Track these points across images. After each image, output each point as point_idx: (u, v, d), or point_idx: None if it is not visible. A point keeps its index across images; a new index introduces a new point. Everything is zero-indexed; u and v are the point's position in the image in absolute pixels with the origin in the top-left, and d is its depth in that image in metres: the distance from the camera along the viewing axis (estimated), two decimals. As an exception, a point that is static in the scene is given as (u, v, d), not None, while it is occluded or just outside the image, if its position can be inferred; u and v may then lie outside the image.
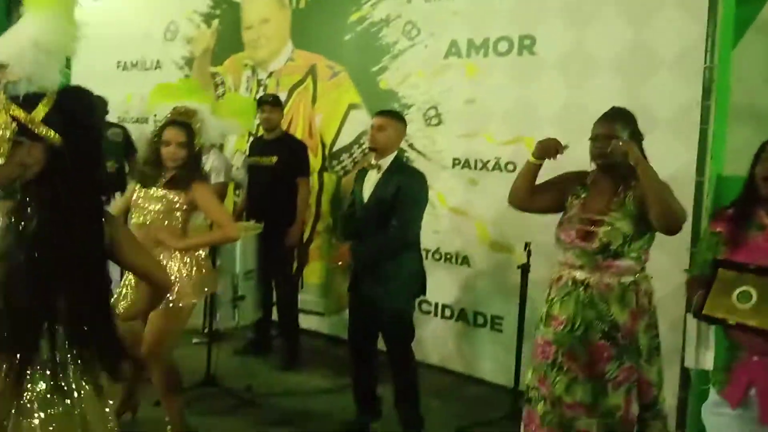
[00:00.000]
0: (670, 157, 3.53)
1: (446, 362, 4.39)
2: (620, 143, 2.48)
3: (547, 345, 2.58)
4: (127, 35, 6.35)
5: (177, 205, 3.10)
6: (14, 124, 1.58)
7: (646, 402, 2.54)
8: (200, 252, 3.23)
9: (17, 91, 1.60)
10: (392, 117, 3.45)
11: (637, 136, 2.60)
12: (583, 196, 2.66)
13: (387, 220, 3.26)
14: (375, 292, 3.29)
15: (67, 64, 6.21)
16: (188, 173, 3.11)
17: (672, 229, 2.48)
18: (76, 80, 6.72)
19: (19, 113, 1.59)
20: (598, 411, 2.48)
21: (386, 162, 3.36)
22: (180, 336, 3.22)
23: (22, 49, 1.60)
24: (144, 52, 6.27)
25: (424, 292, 3.45)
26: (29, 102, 1.60)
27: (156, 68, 6.18)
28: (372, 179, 3.40)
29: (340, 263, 3.64)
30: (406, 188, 3.27)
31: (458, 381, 4.28)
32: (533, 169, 2.71)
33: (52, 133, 1.61)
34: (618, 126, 2.57)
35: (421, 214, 3.35)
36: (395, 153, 3.40)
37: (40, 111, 1.60)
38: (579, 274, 2.56)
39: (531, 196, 2.75)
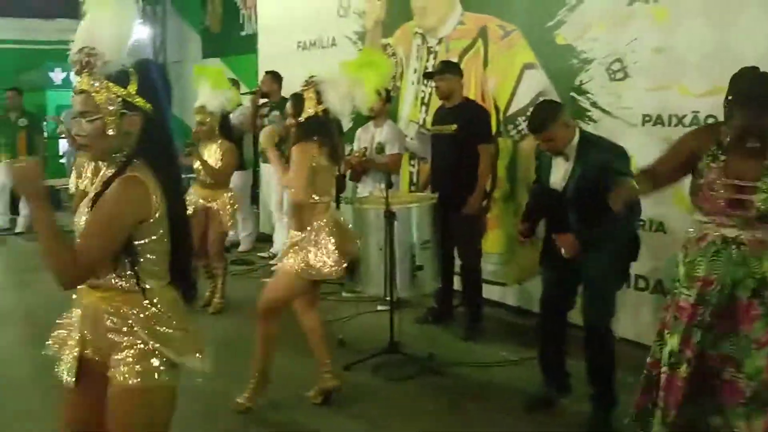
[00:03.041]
0: None
1: (642, 337, 4.08)
2: None
3: (693, 307, 2.46)
4: (304, 16, 6.63)
5: None
6: (119, 100, 1.80)
7: None
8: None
9: (106, 71, 1.80)
10: (549, 120, 3.11)
11: None
12: (722, 159, 2.40)
13: (597, 205, 3.00)
14: (581, 260, 3.10)
15: (254, 47, 6.56)
16: (297, 140, 3.32)
17: None
18: (263, 62, 7.19)
19: (119, 90, 1.80)
20: (743, 369, 2.42)
21: (572, 149, 3.14)
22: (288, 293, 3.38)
23: (104, 38, 1.81)
24: (320, 30, 6.49)
25: (635, 258, 3.20)
26: (121, 79, 1.81)
27: (332, 45, 6.38)
28: (561, 167, 3.18)
29: (564, 251, 3.16)
30: (610, 166, 2.98)
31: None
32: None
33: (144, 102, 1.83)
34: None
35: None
36: (576, 136, 3.15)
37: (133, 86, 1.82)
38: (729, 232, 2.42)
39: (659, 181, 2.63)
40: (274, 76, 6.40)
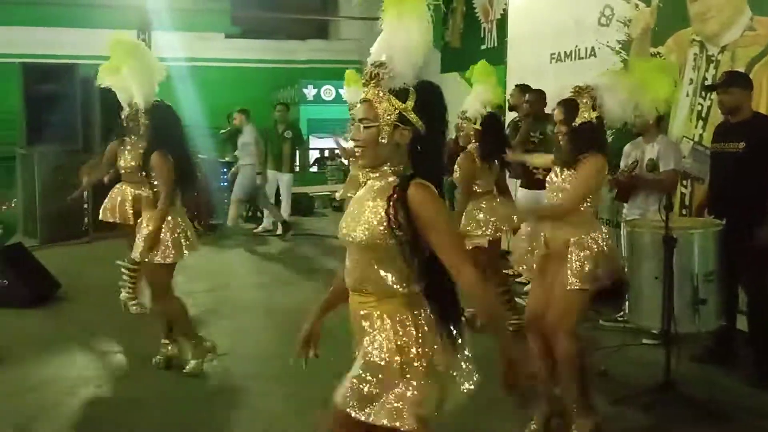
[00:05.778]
0: None
1: None
2: None
3: None
4: (559, 26, 6.43)
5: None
6: (396, 112, 1.92)
7: None
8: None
9: (390, 84, 1.93)
10: None
11: None
12: None
13: None
14: None
15: (494, 60, 6.38)
16: (573, 148, 3.18)
17: None
18: (510, 75, 7.07)
19: (398, 103, 1.92)
20: None
21: None
22: None
23: (396, 52, 1.93)
24: (578, 41, 6.24)
25: None
26: (401, 94, 1.93)
27: (590, 56, 6.10)
28: None
29: None
30: None
31: None
32: None
33: (418, 120, 1.93)
34: None
35: None
36: None
37: (410, 102, 1.93)
38: None
39: None
40: (523, 90, 6.25)
